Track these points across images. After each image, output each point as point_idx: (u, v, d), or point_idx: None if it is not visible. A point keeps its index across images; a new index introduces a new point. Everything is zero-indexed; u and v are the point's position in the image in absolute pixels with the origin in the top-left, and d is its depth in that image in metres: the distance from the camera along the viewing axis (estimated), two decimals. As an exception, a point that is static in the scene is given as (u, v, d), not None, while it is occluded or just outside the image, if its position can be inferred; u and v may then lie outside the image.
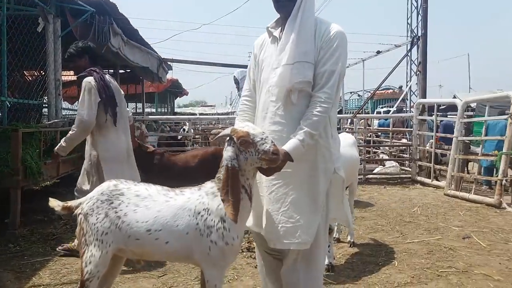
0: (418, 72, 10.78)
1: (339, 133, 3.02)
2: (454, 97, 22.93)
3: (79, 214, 2.47)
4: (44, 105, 8.60)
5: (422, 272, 3.83)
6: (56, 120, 8.09)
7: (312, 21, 2.39)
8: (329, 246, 4.00)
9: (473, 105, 11.60)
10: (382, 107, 20.71)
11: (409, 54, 11.62)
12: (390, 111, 14.00)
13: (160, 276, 3.87)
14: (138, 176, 4.55)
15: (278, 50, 2.42)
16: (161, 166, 5.64)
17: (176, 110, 31.57)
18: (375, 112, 19.15)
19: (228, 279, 3.69)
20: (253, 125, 2.28)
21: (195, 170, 5.51)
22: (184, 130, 12.10)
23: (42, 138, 6.41)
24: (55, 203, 2.60)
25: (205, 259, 2.29)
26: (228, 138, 2.27)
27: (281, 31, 2.47)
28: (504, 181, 6.52)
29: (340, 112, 15.43)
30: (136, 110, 20.57)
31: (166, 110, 27.43)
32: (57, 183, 7.30)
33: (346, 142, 4.48)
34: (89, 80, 4.23)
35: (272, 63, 2.44)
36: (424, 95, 10.22)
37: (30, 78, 8.66)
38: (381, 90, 20.45)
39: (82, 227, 2.43)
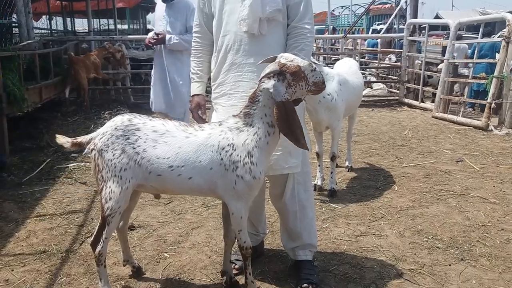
0: (409, -10, 10.35)
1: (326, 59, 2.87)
2: (437, 15, 22.58)
3: (92, 150, 2.35)
4: (13, 25, 7.99)
5: (422, 196, 3.98)
6: (30, 41, 7.58)
7: None
8: (331, 173, 4.08)
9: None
10: (378, 24, 19.66)
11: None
12: (391, 27, 13.26)
13: (166, 204, 3.89)
14: None
15: None
16: None
17: (148, 27, 29.93)
18: (371, 30, 18.33)
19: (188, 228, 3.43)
20: (299, 58, 2.18)
21: None
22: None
23: (21, 61, 6.04)
24: (63, 140, 2.46)
25: (230, 193, 2.26)
26: (276, 74, 2.15)
27: None
28: (493, 104, 6.62)
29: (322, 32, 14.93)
30: (108, 27, 19.42)
31: (138, 27, 25.99)
32: (39, 108, 7.01)
33: (352, 70, 4.38)
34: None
35: None
36: (415, 15, 9.92)
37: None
38: (376, 4, 19.47)
39: (97, 163, 2.33)
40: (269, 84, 2.16)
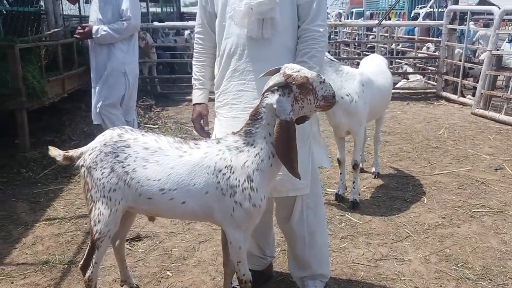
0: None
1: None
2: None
3: (81, 166, 2.17)
4: (42, 12, 7.95)
5: (453, 212, 3.61)
6: (56, 30, 7.52)
7: None
8: (353, 182, 3.77)
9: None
10: (421, 7, 18.18)
11: None
12: (430, 12, 12.29)
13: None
14: None
15: None
16: None
17: (183, 9, 29.87)
18: (412, 13, 17.22)
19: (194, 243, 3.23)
20: (305, 69, 1.92)
21: None
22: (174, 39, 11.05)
23: (43, 52, 5.96)
24: (55, 152, 2.29)
25: (228, 220, 2.03)
26: (280, 86, 1.89)
27: None
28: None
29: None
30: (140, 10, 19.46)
31: (172, 10, 25.92)
32: (65, 98, 6.97)
33: (380, 69, 4.00)
34: None
35: None
36: (456, 1, 9.20)
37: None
38: None
39: (86, 182, 2.15)
40: (273, 98, 1.90)
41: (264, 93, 1.94)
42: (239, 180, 1.96)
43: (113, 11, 4.03)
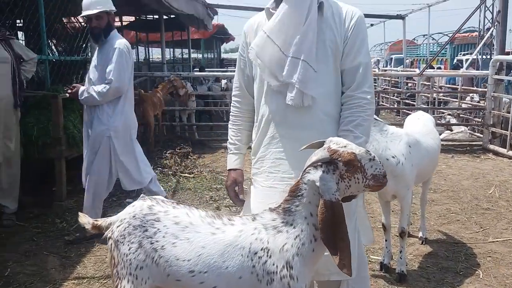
0: (496, 23, 9.35)
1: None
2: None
3: (109, 238, 2.03)
4: (88, 60, 8.27)
5: (515, 291, 3.23)
6: (97, 78, 7.73)
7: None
8: (400, 252, 3.47)
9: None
10: (464, 54, 17.80)
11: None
12: (473, 60, 12.01)
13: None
14: None
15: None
16: None
17: (223, 56, 30.91)
18: (455, 60, 16.89)
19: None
20: (353, 144, 1.75)
21: None
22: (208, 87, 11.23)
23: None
24: (84, 220, 2.18)
25: (265, 311, 1.81)
26: (324, 162, 1.72)
27: None
28: None
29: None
30: (182, 55, 20.28)
31: (212, 56, 26.87)
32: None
33: (427, 129, 3.76)
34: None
35: None
36: (502, 50, 8.88)
37: (72, 31, 8.22)
38: (462, 32, 17.78)
39: (113, 256, 2.01)
40: (316, 175, 1.72)
41: (306, 168, 1.78)
42: (277, 266, 1.76)
43: (100, 72, 3.90)
